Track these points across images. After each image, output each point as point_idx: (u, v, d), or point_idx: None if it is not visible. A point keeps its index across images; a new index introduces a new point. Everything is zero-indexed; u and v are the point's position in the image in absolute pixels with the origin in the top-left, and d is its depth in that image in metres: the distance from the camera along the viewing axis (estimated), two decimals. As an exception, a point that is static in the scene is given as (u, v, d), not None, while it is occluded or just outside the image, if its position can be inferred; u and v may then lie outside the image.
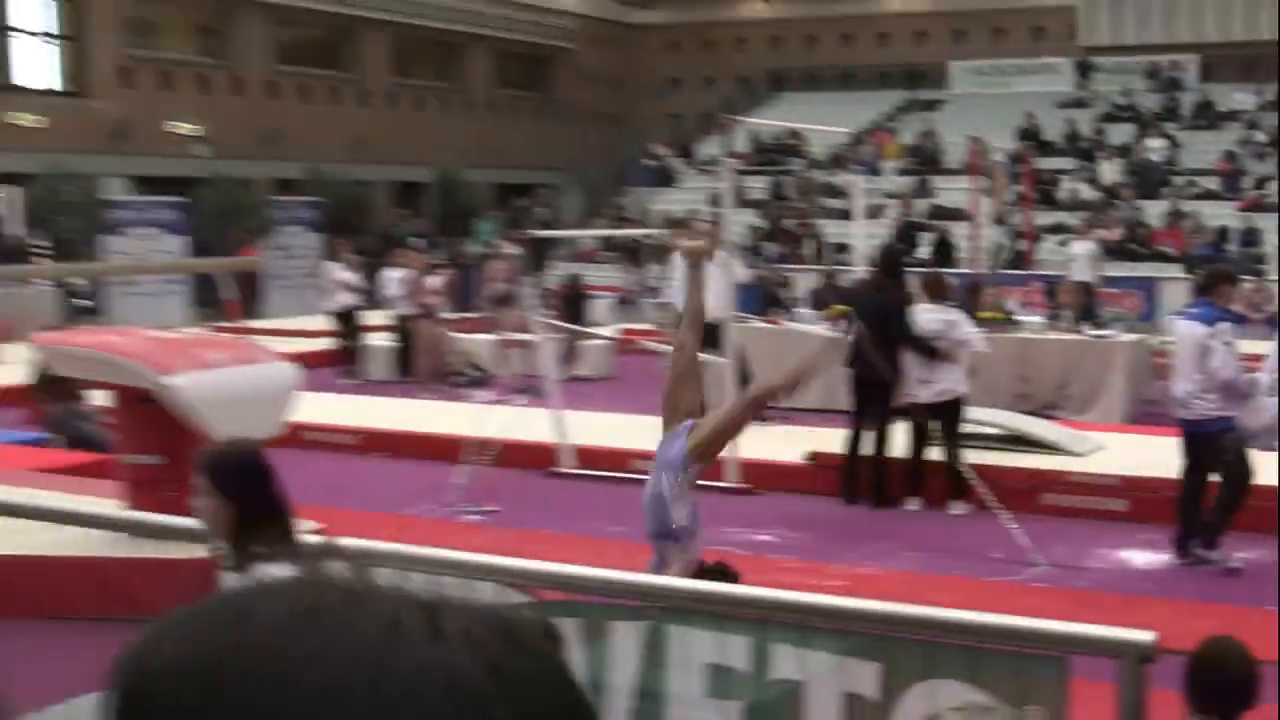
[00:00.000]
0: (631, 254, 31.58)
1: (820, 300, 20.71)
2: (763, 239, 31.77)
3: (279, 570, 4.19)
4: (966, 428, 12.80)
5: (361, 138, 37.05)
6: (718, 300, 15.26)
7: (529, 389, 17.24)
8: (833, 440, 13.48)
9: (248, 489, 4.58)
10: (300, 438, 14.29)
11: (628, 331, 23.72)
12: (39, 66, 32.66)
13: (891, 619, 4.75)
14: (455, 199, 37.65)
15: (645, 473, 13.42)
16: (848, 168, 33.82)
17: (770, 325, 19.15)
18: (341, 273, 21.53)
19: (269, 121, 35.22)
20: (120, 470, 10.20)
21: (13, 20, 32.34)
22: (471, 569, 5.34)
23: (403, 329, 20.97)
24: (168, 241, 29.53)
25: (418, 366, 20.35)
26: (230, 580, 4.55)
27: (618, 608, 5.12)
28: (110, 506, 8.85)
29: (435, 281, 20.78)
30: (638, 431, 15.33)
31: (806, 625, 4.81)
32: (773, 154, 38.81)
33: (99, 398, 13.31)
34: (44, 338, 12.84)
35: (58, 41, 32.86)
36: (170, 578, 7.74)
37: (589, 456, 14.03)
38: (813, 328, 18.31)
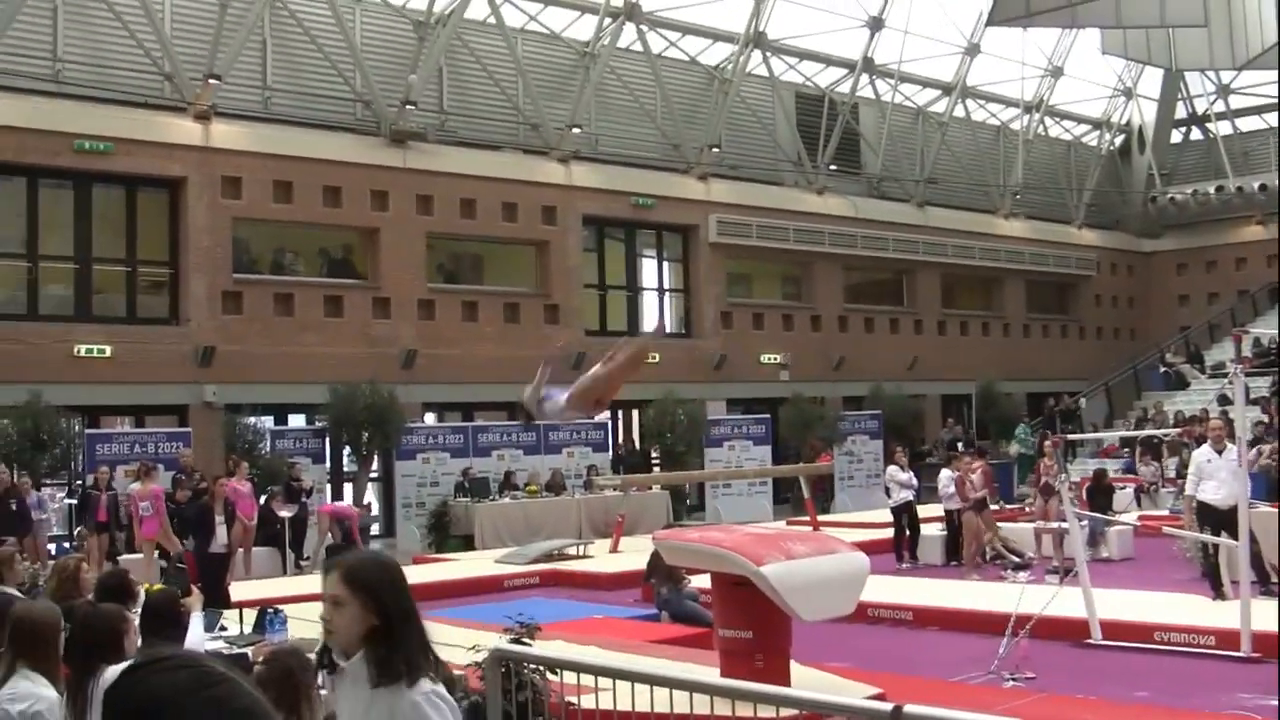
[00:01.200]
0: (1150, 450, 30.43)
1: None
2: (1266, 432, 30.03)
3: (424, 688, 3.67)
4: None
5: (914, 359, 37.12)
6: (1229, 489, 14.44)
7: (1061, 570, 16.70)
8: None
9: (388, 597, 3.76)
10: (865, 613, 14.23)
11: (1145, 518, 22.77)
12: (657, 315, 34.08)
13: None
14: (993, 407, 37.13)
15: (1167, 644, 12.80)
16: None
17: (1277, 509, 17.95)
18: (899, 473, 21.45)
19: (838, 349, 35.67)
20: (717, 642, 10.34)
21: (643, 282, 34.09)
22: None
23: (951, 520, 20.70)
24: (756, 451, 30.21)
25: (964, 552, 19.97)
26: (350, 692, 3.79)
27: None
28: (707, 673, 8.96)
29: (977, 479, 20.40)
30: (1158, 607, 14.59)
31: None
32: (1275, 357, 36.83)
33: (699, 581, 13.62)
34: (660, 534, 13.27)
35: (674, 295, 34.31)
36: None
37: (1114, 629, 13.38)
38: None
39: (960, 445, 29.96)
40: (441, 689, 3.73)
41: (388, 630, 3.71)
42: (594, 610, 15.78)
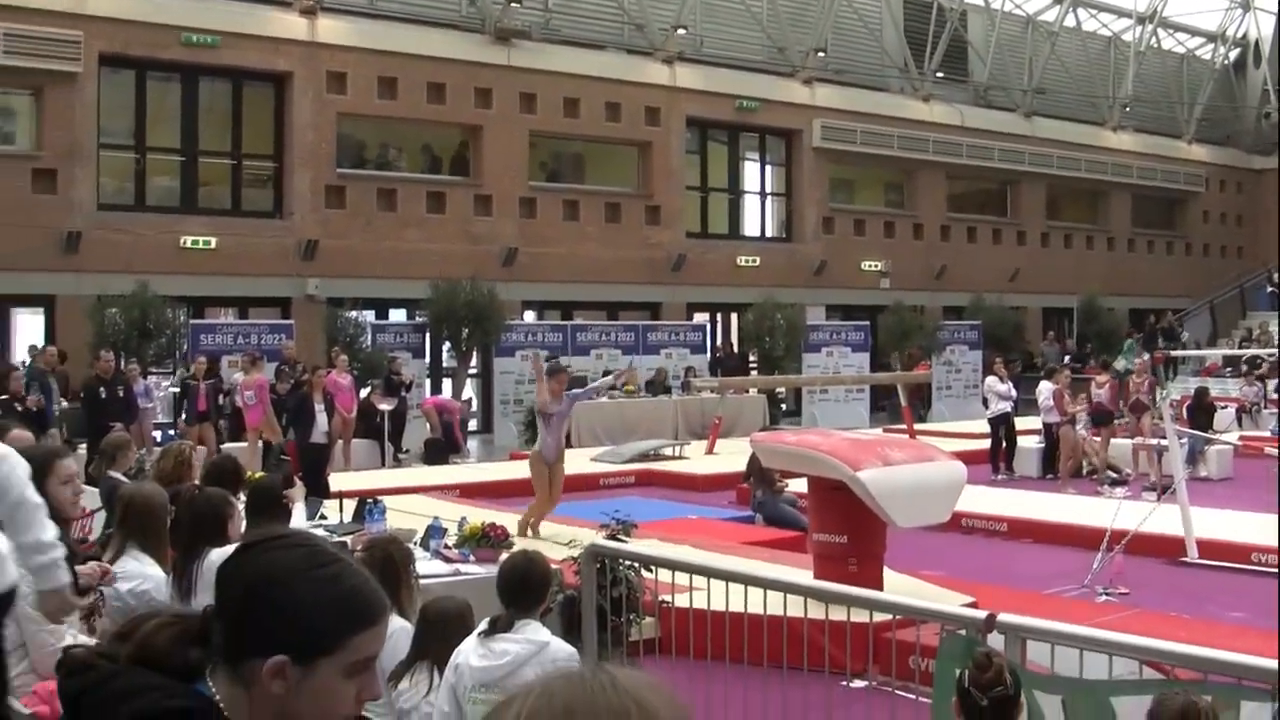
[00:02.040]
0: (1254, 370, 29.89)
1: None
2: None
3: None
4: None
5: (1016, 270, 36.64)
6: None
7: (1159, 487, 16.50)
8: None
9: None
10: (959, 524, 14.16)
11: (1246, 439, 22.40)
12: (758, 219, 34.04)
13: None
14: (1095, 322, 36.63)
15: (1264, 566, 12.60)
16: None
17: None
18: (997, 384, 21.21)
19: (940, 259, 35.32)
20: (811, 546, 10.33)
21: (745, 185, 33.90)
22: (1113, 646, 5.03)
23: (1049, 433, 20.46)
24: (854, 358, 30.03)
25: (1060, 466, 19.77)
26: None
27: (1245, 689, 4.65)
28: (801, 576, 8.96)
29: (1105, 393, 20.15)
30: (1256, 528, 14.36)
31: None
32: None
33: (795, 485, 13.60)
34: (758, 436, 13.25)
35: (775, 199, 34.10)
36: (850, 638, 7.75)
37: (1210, 548, 13.20)
38: None
39: (1068, 359, 29.59)
40: None
41: None
42: (688, 511, 15.84)
